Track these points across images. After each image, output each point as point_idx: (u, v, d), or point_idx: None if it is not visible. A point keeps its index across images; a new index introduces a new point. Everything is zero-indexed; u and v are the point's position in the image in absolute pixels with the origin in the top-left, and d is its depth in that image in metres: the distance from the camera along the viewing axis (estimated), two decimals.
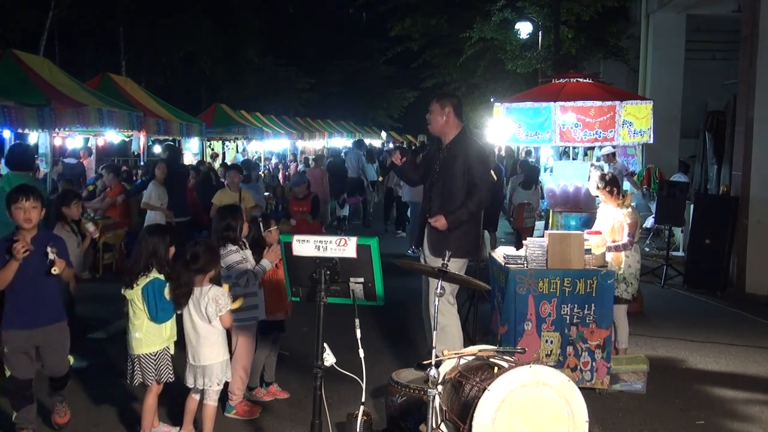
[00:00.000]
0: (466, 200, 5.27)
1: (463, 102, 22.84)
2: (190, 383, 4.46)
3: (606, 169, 11.35)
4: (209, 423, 4.46)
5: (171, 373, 4.46)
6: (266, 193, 14.24)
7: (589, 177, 7.58)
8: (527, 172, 12.05)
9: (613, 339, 6.05)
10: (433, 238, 5.41)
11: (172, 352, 4.49)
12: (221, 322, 4.40)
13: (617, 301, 5.95)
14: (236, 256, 4.86)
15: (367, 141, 35.16)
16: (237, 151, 21.88)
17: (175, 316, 4.47)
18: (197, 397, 4.50)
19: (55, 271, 4.18)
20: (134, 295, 4.35)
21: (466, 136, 5.58)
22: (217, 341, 4.43)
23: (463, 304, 6.79)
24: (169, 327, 4.46)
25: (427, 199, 5.55)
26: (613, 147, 11.40)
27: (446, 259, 3.72)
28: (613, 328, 6.09)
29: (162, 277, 4.36)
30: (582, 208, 8.44)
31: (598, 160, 14.85)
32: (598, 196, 6.42)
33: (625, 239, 5.98)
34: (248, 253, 4.99)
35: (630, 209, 6.07)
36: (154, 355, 4.39)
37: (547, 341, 5.38)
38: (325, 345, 3.45)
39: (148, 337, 4.37)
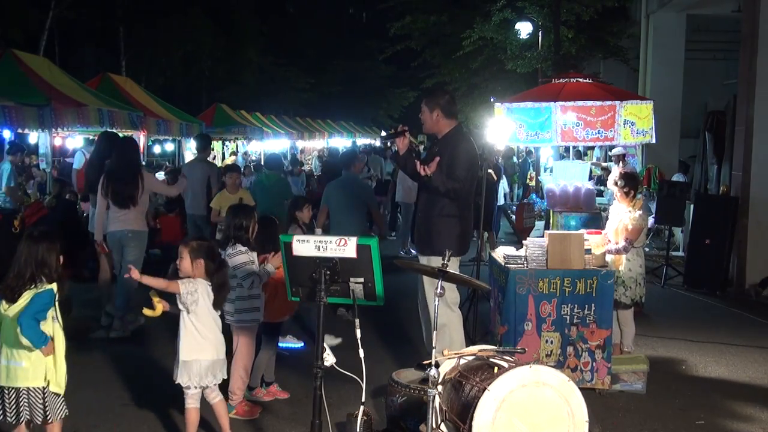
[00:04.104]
0: (447, 180, 5.06)
1: (463, 102, 22.75)
2: (179, 380, 4.21)
3: (615, 170, 11.34)
4: (225, 419, 4.38)
5: (65, 408, 3.80)
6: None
7: (593, 176, 7.57)
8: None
9: (617, 341, 6.04)
10: (418, 237, 5.40)
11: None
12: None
13: (615, 305, 5.75)
14: (244, 257, 4.86)
15: (367, 141, 35.17)
16: (236, 152, 21.88)
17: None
18: (196, 405, 4.28)
19: None
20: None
21: (458, 132, 5.36)
22: None
23: (463, 304, 6.78)
24: (59, 366, 3.72)
25: (417, 197, 5.48)
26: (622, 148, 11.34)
27: (446, 259, 3.71)
28: (620, 331, 6.07)
29: (54, 287, 3.70)
30: (582, 208, 8.45)
31: (598, 159, 14.87)
32: (610, 190, 6.31)
33: (621, 243, 5.92)
34: (254, 255, 4.99)
35: (638, 215, 5.93)
36: (42, 391, 3.67)
37: (547, 341, 5.37)
38: (326, 345, 3.46)
39: (37, 366, 3.63)
